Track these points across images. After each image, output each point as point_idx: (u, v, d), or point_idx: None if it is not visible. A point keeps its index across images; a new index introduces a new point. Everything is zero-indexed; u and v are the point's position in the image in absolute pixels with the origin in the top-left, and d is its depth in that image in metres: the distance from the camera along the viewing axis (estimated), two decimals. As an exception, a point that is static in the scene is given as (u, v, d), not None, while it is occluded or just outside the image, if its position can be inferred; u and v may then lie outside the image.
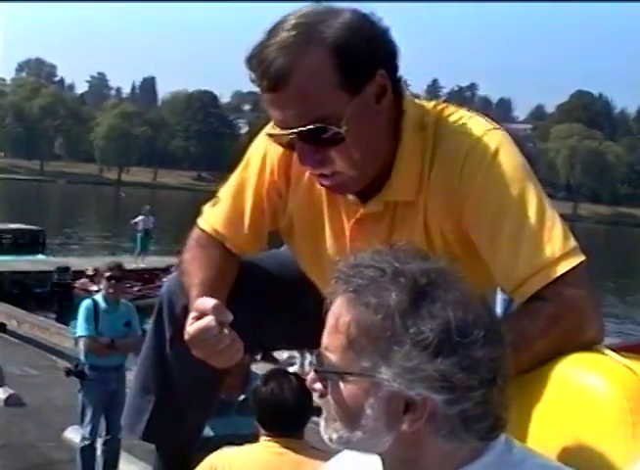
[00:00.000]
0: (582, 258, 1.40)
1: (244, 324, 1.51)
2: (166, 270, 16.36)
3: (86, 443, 5.71)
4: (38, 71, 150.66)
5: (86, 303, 5.87)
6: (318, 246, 1.67)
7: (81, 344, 5.82)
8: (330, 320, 1.06)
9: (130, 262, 19.24)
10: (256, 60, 1.39)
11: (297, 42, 1.36)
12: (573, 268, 1.38)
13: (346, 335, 1.02)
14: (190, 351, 1.53)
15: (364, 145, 1.44)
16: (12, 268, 20.18)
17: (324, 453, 2.77)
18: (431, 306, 0.99)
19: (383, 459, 1.08)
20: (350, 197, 1.57)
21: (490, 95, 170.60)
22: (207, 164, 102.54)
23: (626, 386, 1.19)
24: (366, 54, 1.39)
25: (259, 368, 5.20)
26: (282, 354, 10.65)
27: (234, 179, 1.76)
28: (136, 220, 22.59)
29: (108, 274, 5.83)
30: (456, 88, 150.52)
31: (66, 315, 15.82)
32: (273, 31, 1.39)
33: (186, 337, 1.49)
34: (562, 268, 1.37)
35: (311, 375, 1.07)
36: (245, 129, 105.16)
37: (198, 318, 1.47)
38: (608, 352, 1.29)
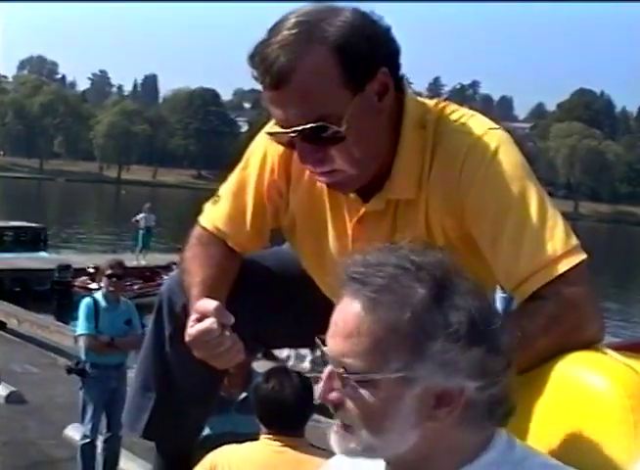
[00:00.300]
0: (584, 256, 1.40)
1: (244, 322, 1.51)
2: (167, 268, 16.37)
3: (87, 440, 5.70)
4: (40, 69, 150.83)
5: (86, 301, 5.86)
6: (320, 244, 1.67)
7: (82, 342, 5.81)
8: (344, 325, 1.02)
9: (131, 260, 19.28)
10: (259, 58, 1.39)
11: (299, 40, 1.36)
12: (575, 267, 1.38)
13: (372, 338, 0.99)
14: (189, 349, 1.53)
15: (365, 143, 1.44)
16: (13, 266, 20.19)
17: (324, 452, 2.77)
18: (452, 298, 1.01)
19: (388, 462, 1.07)
20: (352, 196, 1.57)
21: (492, 93, 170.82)
22: (207, 163, 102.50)
23: (627, 384, 1.19)
24: (368, 52, 1.39)
25: (260, 366, 5.20)
26: (282, 353, 10.65)
27: (234, 178, 1.75)
28: (137, 218, 22.61)
29: (108, 272, 5.82)
30: (458, 86, 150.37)
31: (65, 313, 15.83)
32: (275, 30, 1.39)
33: (187, 339, 1.49)
34: (563, 266, 1.37)
35: (323, 386, 1.04)
36: (245, 128, 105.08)
37: (199, 320, 1.47)
38: (608, 350, 1.29)
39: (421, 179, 1.51)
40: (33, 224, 26.80)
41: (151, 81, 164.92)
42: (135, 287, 16.83)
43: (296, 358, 10.36)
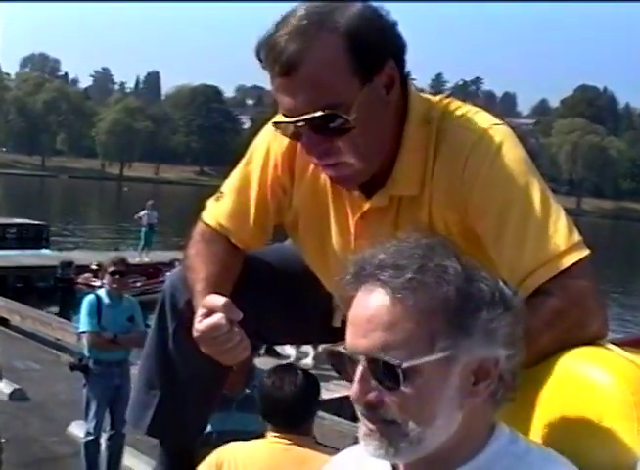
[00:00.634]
0: (587, 251, 1.40)
1: (246, 318, 1.51)
2: (170, 265, 16.35)
3: (90, 437, 5.72)
4: (42, 66, 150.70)
5: (89, 298, 5.87)
6: (323, 241, 1.67)
7: (84, 339, 5.82)
8: (379, 318, 1.00)
9: (134, 257, 19.28)
10: (268, 47, 1.39)
11: (310, 29, 1.37)
12: (578, 262, 1.38)
13: (414, 322, 0.98)
14: (192, 346, 1.53)
15: (371, 135, 1.44)
16: (16, 263, 20.22)
17: (329, 449, 2.78)
18: (476, 271, 1.02)
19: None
20: (355, 192, 1.57)
21: (494, 90, 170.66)
22: (210, 160, 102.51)
23: (631, 380, 1.19)
24: (377, 43, 1.40)
25: (262, 363, 5.21)
26: (285, 350, 10.66)
27: (237, 174, 1.75)
28: (140, 215, 22.61)
29: (111, 269, 5.83)
30: (460, 83, 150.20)
31: (68, 310, 15.86)
32: (284, 21, 1.40)
33: (195, 334, 1.49)
34: (567, 262, 1.37)
35: (359, 387, 1.01)
36: (247, 124, 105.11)
37: (207, 315, 1.47)
38: (611, 346, 1.29)
39: (424, 175, 1.51)
40: (36, 222, 26.86)
41: (153, 78, 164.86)
42: (138, 284, 16.81)
43: (298, 355, 10.38)
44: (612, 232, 69.13)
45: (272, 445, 2.70)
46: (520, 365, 1.07)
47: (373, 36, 1.39)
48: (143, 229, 22.40)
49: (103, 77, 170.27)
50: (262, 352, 9.03)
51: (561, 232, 1.40)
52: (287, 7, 1.45)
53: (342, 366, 1.05)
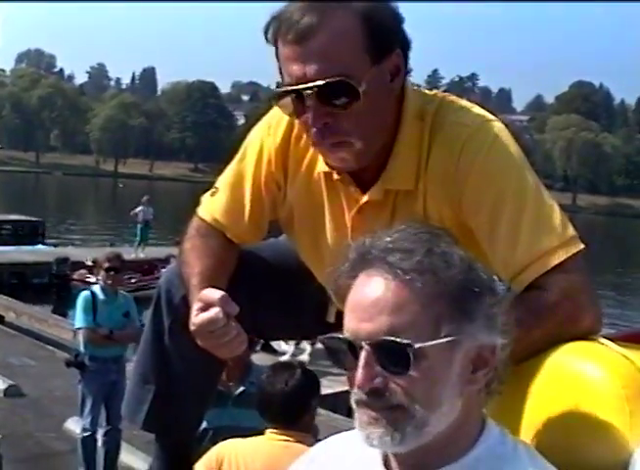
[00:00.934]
0: (581, 246, 1.41)
1: (242, 313, 1.51)
2: (166, 261, 16.32)
3: (87, 433, 5.71)
4: (38, 62, 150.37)
5: (84, 294, 5.85)
6: (318, 236, 1.67)
7: (80, 335, 5.81)
8: (385, 301, 0.98)
9: (130, 253, 19.26)
10: (283, 16, 1.41)
11: (326, 4, 1.40)
12: (571, 257, 1.38)
13: (420, 305, 0.98)
14: (188, 341, 1.54)
15: (374, 117, 1.45)
16: (11, 259, 20.17)
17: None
18: (474, 261, 1.03)
19: (396, 454, 1.05)
20: (351, 187, 1.57)
21: (490, 86, 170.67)
22: (204, 156, 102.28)
23: (623, 374, 1.20)
24: (390, 28, 1.43)
25: (258, 359, 5.21)
26: (281, 346, 10.65)
27: (232, 170, 1.75)
28: (136, 211, 22.56)
29: (106, 265, 5.81)
30: (456, 78, 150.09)
31: (63, 306, 15.83)
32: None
33: (192, 328, 1.49)
34: (560, 257, 1.38)
35: (363, 374, 0.99)
36: (242, 120, 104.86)
37: (203, 309, 1.47)
38: (604, 341, 1.30)
39: (419, 170, 1.51)
40: (31, 218, 26.79)
41: (149, 74, 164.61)
42: (133, 280, 16.80)
43: (295, 351, 10.38)
44: (607, 228, 69.17)
45: (271, 441, 2.71)
46: (511, 359, 1.07)
47: (386, 21, 1.43)
48: (139, 225, 22.36)
49: (98, 73, 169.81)
50: (259, 348, 9.02)
51: (554, 227, 1.41)
52: (283, 4, 1.45)
53: (340, 355, 1.03)
